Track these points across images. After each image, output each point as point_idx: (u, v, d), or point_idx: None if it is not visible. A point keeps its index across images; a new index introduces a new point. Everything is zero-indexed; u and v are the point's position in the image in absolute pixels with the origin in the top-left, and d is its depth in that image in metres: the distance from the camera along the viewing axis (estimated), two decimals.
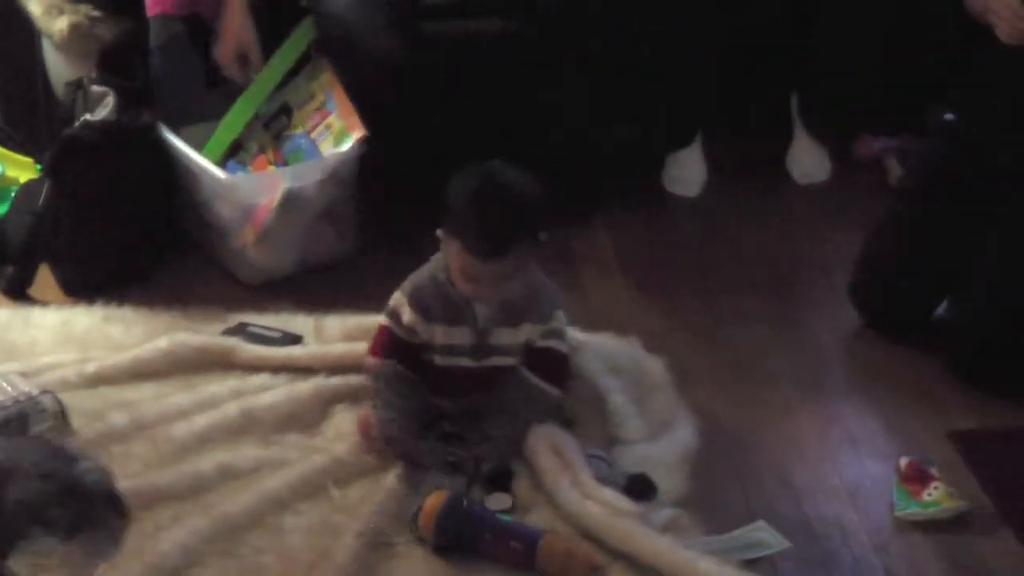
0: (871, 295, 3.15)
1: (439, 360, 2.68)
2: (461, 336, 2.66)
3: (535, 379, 2.65)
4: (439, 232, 2.60)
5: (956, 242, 3.04)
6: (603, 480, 2.53)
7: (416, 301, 2.66)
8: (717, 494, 2.60)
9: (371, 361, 2.72)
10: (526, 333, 2.65)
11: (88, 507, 1.92)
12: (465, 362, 2.68)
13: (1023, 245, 2.95)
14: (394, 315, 2.69)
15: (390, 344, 2.70)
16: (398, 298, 2.68)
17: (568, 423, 2.68)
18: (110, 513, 1.97)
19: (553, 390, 2.66)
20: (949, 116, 3.18)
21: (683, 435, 2.72)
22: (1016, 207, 2.96)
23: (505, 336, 2.66)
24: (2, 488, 1.90)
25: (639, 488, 2.54)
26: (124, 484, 2.45)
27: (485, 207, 2.56)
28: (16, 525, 1.91)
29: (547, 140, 3.56)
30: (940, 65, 3.56)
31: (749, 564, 2.40)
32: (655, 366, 2.92)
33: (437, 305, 2.65)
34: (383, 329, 2.71)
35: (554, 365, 2.68)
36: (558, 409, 2.68)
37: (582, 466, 2.54)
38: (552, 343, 2.67)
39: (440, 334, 2.66)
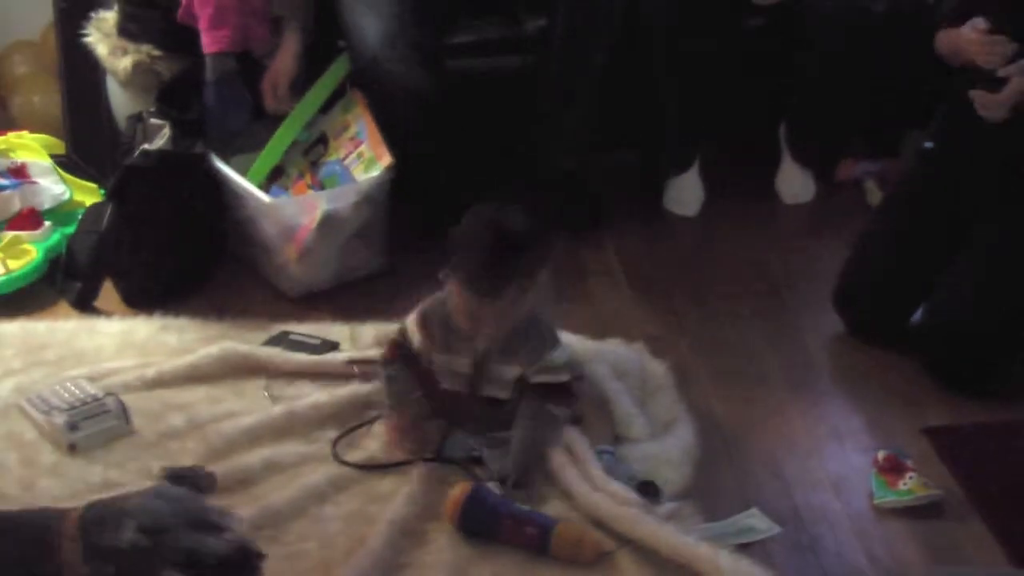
0: (853, 302, 3.14)
1: (442, 383, 2.66)
2: (460, 365, 2.62)
3: (543, 404, 2.60)
4: (441, 275, 2.55)
5: (931, 255, 3.04)
6: (610, 472, 2.53)
7: (424, 325, 2.64)
8: (713, 485, 2.60)
9: (382, 365, 2.71)
10: (518, 370, 2.60)
11: (235, 554, 1.88)
12: (461, 388, 2.64)
13: (996, 256, 2.95)
14: (403, 334, 2.68)
15: (398, 352, 2.69)
16: (410, 320, 2.66)
17: (576, 420, 2.66)
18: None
19: (558, 410, 2.60)
20: (928, 144, 3.17)
21: (684, 434, 2.70)
22: (988, 224, 2.97)
23: (499, 370, 2.61)
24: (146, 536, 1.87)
25: (646, 493, 2.52)
26: None
27: (480, 250, 2.50)
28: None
29: (559, 165, 3.56)
30: (914, 97, 3.57)
31: (743, 548, 2.39)
32: (658, 369, 2.92)
33: (442, 333, 2.62)
34: (391, 342, 2.71)
35: (554, 395, 2.60)
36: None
37: (592, 461, 2.54)
38: (545, 378, 2.59)
39: (442, 360, 2.64)
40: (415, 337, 2.65)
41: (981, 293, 2.93)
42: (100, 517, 1.87)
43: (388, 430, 2.66)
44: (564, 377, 2.61)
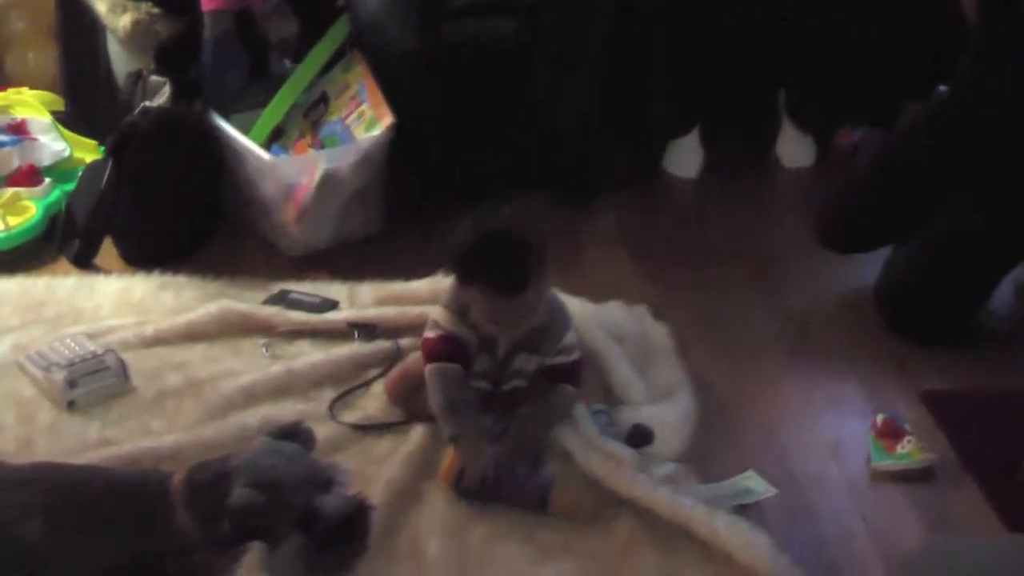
0: (833, 214, 3.19)
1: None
2: (481, 362, 2.55)
3: (556, 383, 2.54)
4: (450, 287, 2.50)
5: (914, 193, 3.04)
6: (605, 432, 2.52)
7: (462, 318, 2.51)
8: (709, 451, 2.58)
9: (427, 367, 2.53)
10: (534, 357, 2.54)
11: (319, 531, 1.85)
12: (483, 385, 2.55)
13: (969, 211, 2.94)
14: (437, 326, 2.54)
15: (440, 348, 2.51)
16: (440, 312, 2.53)
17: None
18: (341, 542, 1.90)
19: (569, 388, 2.55)
20: (943, 88, 3.24)
21: (683, 398, 2.69)
22: (972, 176, 2.95)
23: (523, 361, 2.54)
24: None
25: (638, 437, 2.53)
26: (177, 436, 2.50)
27: (497, 250, 2.43)
28: (247, 527, 1.84)
29: (559, 128, 3.54)
30: (910, 66, 3.57)
31: (740, 511, 2.38)
32: (659, 332, 2.91)
33: (466, 329, 2.52)
34: (428, 341, 2.53)
35: (565, 374, 2.55)
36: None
37: (587, 422, 2.53)
38: (559, 360, 2.54)
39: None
40: (449, 322, 2.52)
41: (946, 247, 2.94)
42: (209, 478, 1.85)
43: (388, 387, 2.63)
44: (575, 355, 2.57)
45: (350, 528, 1.90)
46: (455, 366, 2.50)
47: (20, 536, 1.88)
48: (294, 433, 2.06)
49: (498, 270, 2.43)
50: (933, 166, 3.02)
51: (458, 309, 2.51)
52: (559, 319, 2.57)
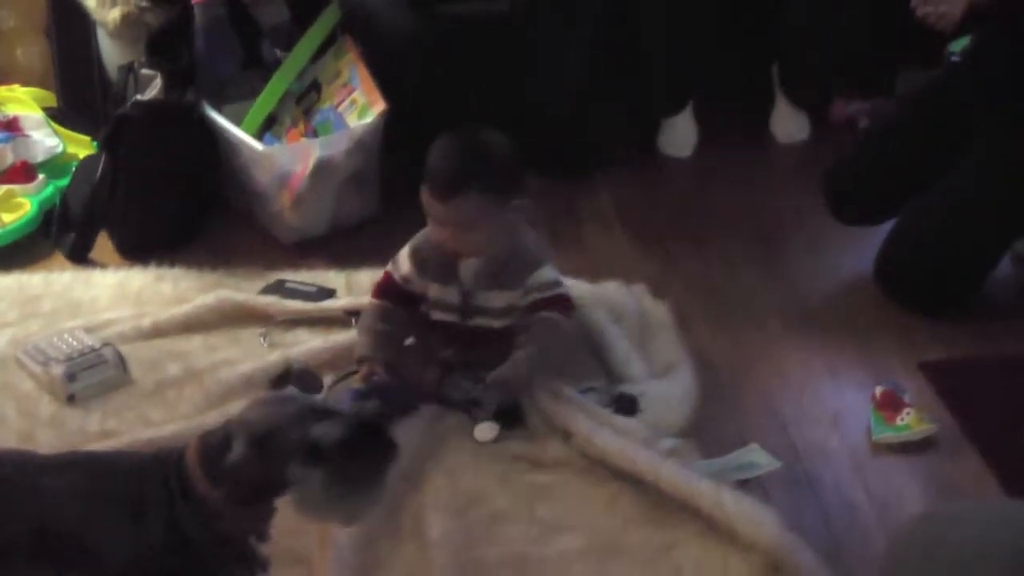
0: (840, 182, 3.18)
1: (433, 315, 2.65)
2: (450, 294, 2.61)
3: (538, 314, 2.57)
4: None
5: (919, 155, 3.05)
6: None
7: (415, 255, 2.64)
8: (711, 425, 2.59)
9: (369, 300, 2.71)
10: (505, 298, 2.59)
11: (328, 460, 1.87)
12: (453, 319, 2.63)
13: (968, 180, 2.94)
14: (395, 263, 2.67)
15: (387, 287, 2.68)
16: (403, 250, 2.66)
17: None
18: (357, 462, 1.92)
19: (556, 316, 2.56)
20: (955, 57, 3.23)
21: (684, 374, 2.69)
22: (979, 147, 2.95)
23: (485, 298, 2.59)
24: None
25: (623, 405, 2.54)
26: (177, 425, 2.51)
27: (444, 146, 2.53)
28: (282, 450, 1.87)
29: (551, 108, 3.54)
30: (902, 34, 3.57)
31: (742, 484, 2.39)
32: (658, 310, 2.91)
33: (431, 261, 2.62)
34: (384, 274, 2.69)
35: (548, 306, 2.57)
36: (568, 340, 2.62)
37: (579, 402, 2.53)
38: (533, 296, 2.57)
39: (432, 289, 2.63)
40: (405, 267, 2.64)
41: (941, 224, 2.94)
42: (213, 442, 1.88)
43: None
44: (556, 291, 2.59)
45: (361, 448, 1.91)
46: (386, 304, 2.65)
47: (58, 519, 1.92)
48: (290, 376, 2.08)
49: (437, 168, 2.50)
50: (945, 131, 3.02)
51: (416, 244, 2.61)
52: (524, 255, 2.59)
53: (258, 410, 1.92)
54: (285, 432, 1.87)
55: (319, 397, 2.06)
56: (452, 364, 2.63)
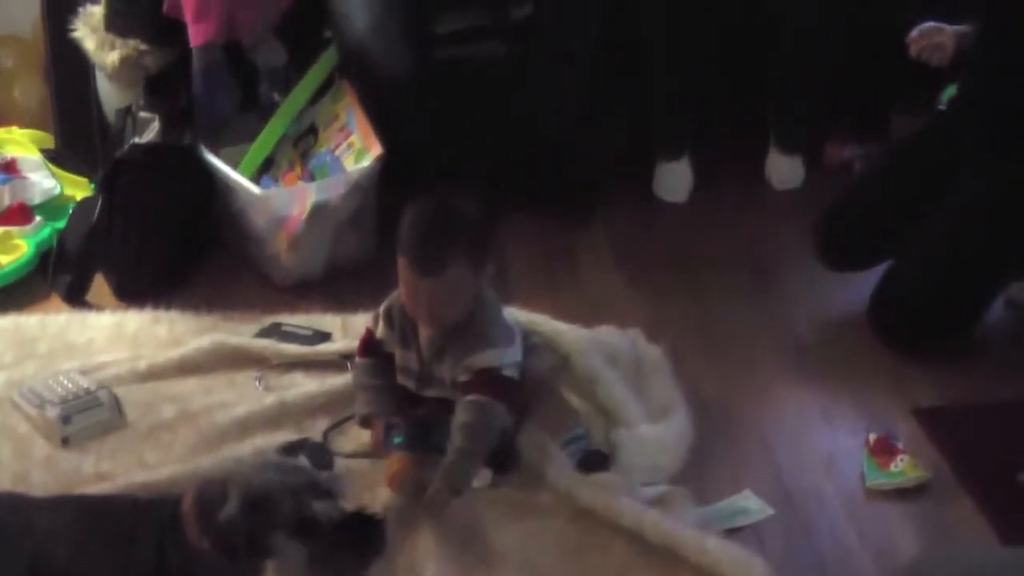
0: (828, 228, 3.20)
1: (399, 377, 2.60)
2: (409, 360, 2.56)
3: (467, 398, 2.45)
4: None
5: (908, 201, 3.07)
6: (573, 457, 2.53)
7: (387, 316, 2.59)
8: (704, 469, 2.60)
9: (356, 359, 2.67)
10: (448, 367, 2.50)
11: (317, 540, 1.88)
12: (412, 386, 2.58)
13: (956, 222, 2.97)
14: (374, 320, 2.62)
15: (369, 345, 2.63)
16: (380, 308, 2.61)
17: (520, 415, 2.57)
18: (342, 550, 1.93)
19: (484, 399, 2.44)
20: (942, 106, 3.27)
21: (680, 418, 2.69)
22: (963, 188, 2.98)
23: (438, 369, 2.52)
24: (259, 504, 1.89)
25: (592, 462, 2.52)
26: (172, 468, 2.51)
27: (419, 220, 2.45)
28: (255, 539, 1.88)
29: (550, 152, 3.56)
30: (896, 80, 3.60)
31: (734, 532, 2.40)
32: (653, 353, 2.91)
33: (398, 324, 2.57)
34: (367, 331, 2.65)
35: (475, 389, 2.45)
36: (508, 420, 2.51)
37: (558, 456, 2.51)
38: (463, 377, 2.46)
39: (397, 354, 2.59)
40: (379, 328, 2.60)
41: (934, 256, 2.97)
42: (210, 493, 1.90)
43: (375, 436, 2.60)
44: (494, 375, 2.46)
45: (351, 536, 1.92)
46: (369, 360, 2.63)
47: (50, 559, 1.93)
48: (305, 448, 2.10)
49: (417, 245, 2.43)
50: (933, 177, 3.05)
51: (388, 305, 2.58)
52: (476, 330, 2.48)
53: (262, 473, 1.93)
54: (280, 501, 1.89)
55: (325, 475, 2.06)
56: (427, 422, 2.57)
